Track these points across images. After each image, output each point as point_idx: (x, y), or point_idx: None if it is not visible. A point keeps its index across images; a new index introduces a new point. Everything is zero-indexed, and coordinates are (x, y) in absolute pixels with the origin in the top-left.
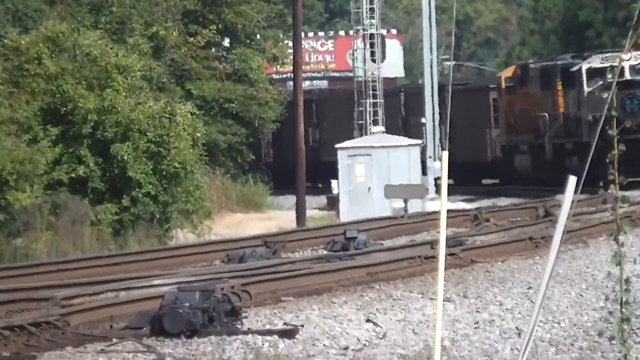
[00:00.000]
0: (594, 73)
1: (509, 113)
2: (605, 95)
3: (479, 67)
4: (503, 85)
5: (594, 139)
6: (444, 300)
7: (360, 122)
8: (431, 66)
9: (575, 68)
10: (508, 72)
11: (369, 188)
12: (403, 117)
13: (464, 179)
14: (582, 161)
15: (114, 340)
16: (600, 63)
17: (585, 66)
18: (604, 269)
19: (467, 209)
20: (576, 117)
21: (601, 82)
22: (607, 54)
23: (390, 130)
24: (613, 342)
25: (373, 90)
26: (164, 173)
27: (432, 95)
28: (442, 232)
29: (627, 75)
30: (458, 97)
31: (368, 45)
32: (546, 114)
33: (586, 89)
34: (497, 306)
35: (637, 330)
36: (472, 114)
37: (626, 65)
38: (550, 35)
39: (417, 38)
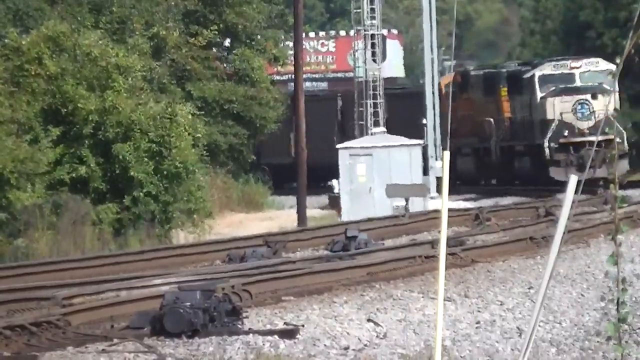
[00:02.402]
0: (545, 79)
1: (450, 117)
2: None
3: None
4: (442, 91)
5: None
6: (444, 300)
7: (361, 122)
8: (432, 66)
9: (527, 75)
10: (447, 78)
11: (370, 188)
12: (339, 122)
13: None
14: (534, 162)
15: (115, 340)
16: (552, 70)
17: (537, 73)
18: (605, 268)
19: (469, 209)
20: (525, 121)
21: (553, 88)
22: (559, 62)
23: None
24: (610, 342)
25: (374, 90)
26: (165, 173)
27: (433, 96)
28: (443, 232)
29: (578, 82)
30: (396, 101)
31: (369, 46)
32: (491, 119)
33: (539, 95)
34: (498, 306)
35: (637, 330)
36: (410, 118)
37: (576, 72)
38: (551, 36)
39: (417, 38)
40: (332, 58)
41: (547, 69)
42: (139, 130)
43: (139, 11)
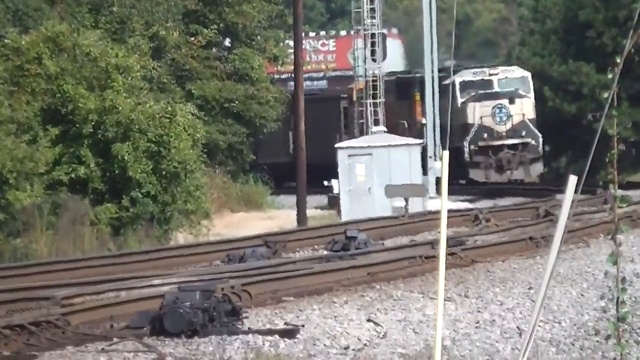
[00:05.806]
0: (466, 85)
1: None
2: None
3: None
4: (355, 96)
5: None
6: (444, 300)
7: (361, 121)
8: (432, 66)
9: (447, 81)
10: (360, 84)
11: (370, 188)
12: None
13: (314, 179)
14: (453, 164)
15: (115, 339)
16: (472, 77)
17: (458, 79)
18: (605, 268)
19: (468, 209)
20: (443, 125)
21: (473, 94)
22: (478, 69)
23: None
24: (610, 341)
25: (374, 90)
26: (164, 173)
27: (432, 95)
28: (443, 232)
29: (496, 88)
30: (310, 105)
31: (369, 45)
32: (405, 122)
33: (459, 100)
34: (497, 306)
35: (637, 330)
36: (323, 121)
37: (495, 79)
38: (551, 36)
39: (417, 38)
40: (332, 57)
41: (467, 75)
42: (137, 130)
43: (139, 11)
